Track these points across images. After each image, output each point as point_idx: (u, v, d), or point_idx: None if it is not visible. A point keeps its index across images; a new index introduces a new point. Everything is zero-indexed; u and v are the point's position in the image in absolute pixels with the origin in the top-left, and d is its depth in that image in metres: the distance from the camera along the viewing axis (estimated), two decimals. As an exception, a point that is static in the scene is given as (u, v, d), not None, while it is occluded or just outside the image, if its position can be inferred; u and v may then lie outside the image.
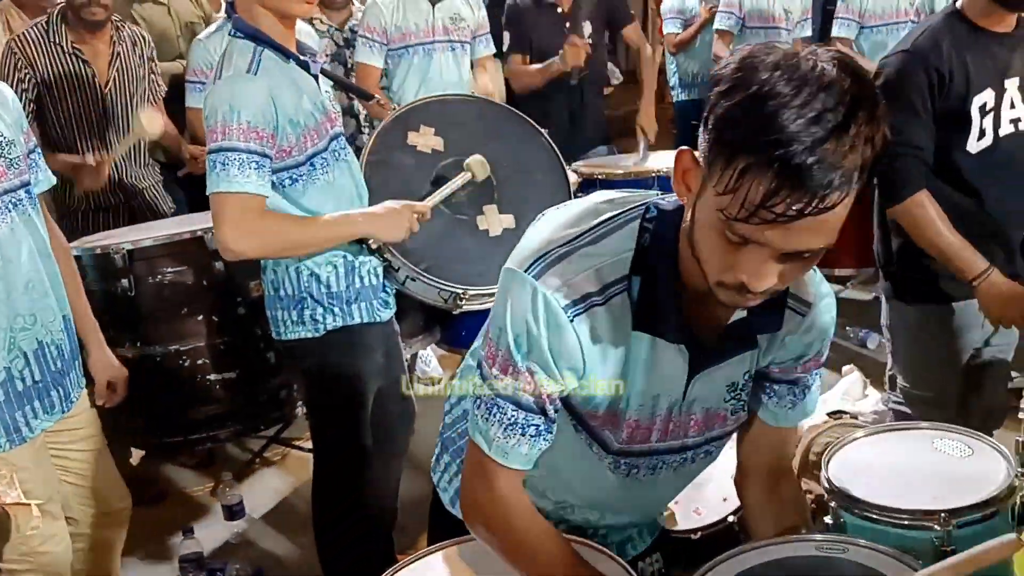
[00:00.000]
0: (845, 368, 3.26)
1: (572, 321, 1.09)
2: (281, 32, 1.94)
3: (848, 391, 3.13)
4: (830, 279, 4.25)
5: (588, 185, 3.40)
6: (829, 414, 2.94)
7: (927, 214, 2.05)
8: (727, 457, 2.43)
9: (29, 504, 1.76)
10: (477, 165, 2.18)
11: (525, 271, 1.10)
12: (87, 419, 2.02)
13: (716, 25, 4.51)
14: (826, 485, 1.48)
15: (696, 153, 1.01)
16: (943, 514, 1.31)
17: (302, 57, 1.97)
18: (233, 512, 2.92)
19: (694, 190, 1.01)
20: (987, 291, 2.00)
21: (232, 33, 1.92)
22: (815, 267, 1.20)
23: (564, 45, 3.51)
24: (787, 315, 1.17)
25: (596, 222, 1.13)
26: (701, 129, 0.99)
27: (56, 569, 1.88)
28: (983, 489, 1.38)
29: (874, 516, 1.39)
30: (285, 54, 1.93)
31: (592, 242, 1.12)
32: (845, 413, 2.93)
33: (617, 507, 1.34)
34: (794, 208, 0.91)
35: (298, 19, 2.00)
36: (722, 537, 2.30)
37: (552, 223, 1.16)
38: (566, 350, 1.11)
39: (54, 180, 1.99)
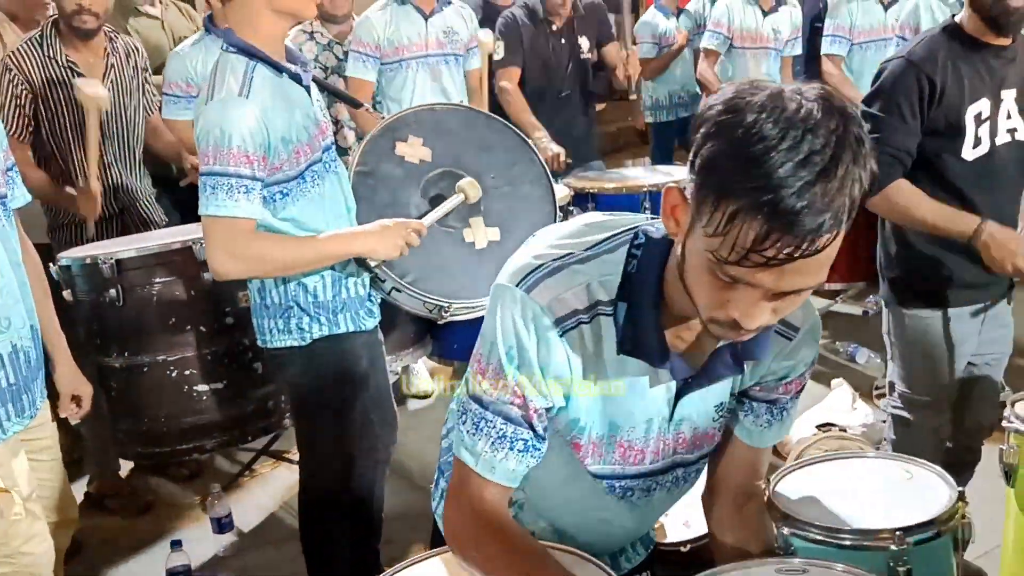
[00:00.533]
0: (834, 382, 3.28)
1: (562, 337, 1.10)
2: (277, 40, 1.94)
3: (837, 404, 3.14)
4: (820, 293, 4.32)
5: (580, 199, 3.42)
6: (818, 426, 2.95)
7: (905, 194, 2.09)
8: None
9: (9, 491, 1.78)
10: (468, 187, 2.17)
11: (516, 285, 1.11)
12: (49, 431, 2.08)
13: (703, 44, 4.53)
14: (776, 514, 1.48)
15: (684, 188, 1.01)
16: (898, 532, 1.30)
17: (294, 68, 1.97)
18: (221, 524, 2.91)
19: (683, 226, 1.02)
20: (989, 241, 2.02)
21: (224, 48, 1.92)
22: None
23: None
24: (775, 339, 1.17)
25: (587, 242, 1.15)
26: (687, 169, 0.99)
27: (38, 570, 1.89)
28: (928, 510, 1.37)
29: (826, 539, 1.37)
30: (278, 68, 1.93)
31: (582, 260, 1.13)
32: (834, 426, 2.95)
33: (613, 530, 1.34)
34: (785, 252, 0.91)
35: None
36: (711, 549, 2.30)
37: (542, 241, 1.17)
38: (555, 364, 1.11)
39: (29, 198, 2.03)
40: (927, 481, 1.48)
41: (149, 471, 3.33)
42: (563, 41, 3.76)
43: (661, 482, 1.26)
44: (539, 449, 1.17)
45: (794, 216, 0.89)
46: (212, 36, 3.02)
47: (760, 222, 0.90)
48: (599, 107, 4.96)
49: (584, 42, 3.79)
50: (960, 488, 1.41)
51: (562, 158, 3.59)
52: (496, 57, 3.76)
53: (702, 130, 0.95)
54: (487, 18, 4.08)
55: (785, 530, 1.44)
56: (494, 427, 1.14)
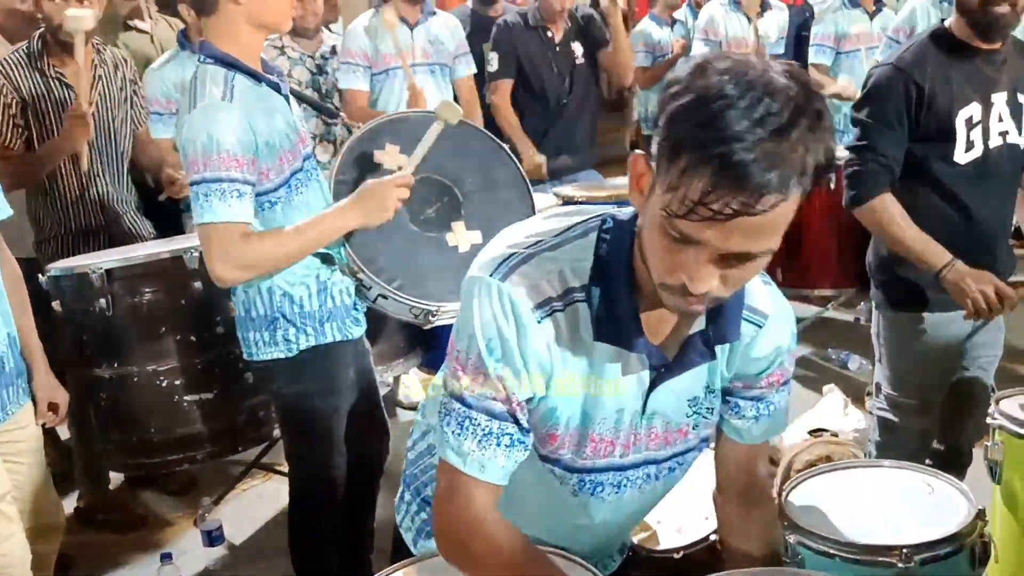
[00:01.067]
0: (826, 388, 3.27)
1: (540, 324, 1.10)
2: (254, 53, 1.96)
3: (828, 410, 3.13)
4: (811, 300, 4.32)
5: (570, 208, 3.42)
6: (810, 432, 2.95)
7: (890, 213, 2.11)
8: (708, 475, 2.40)
9: None
10: (447, 109, 2.10)
11: (490, 275, 1.11)
12: (30, 434, 2.14)
13: (695, 52, 4.54)
14: (784, 521, 1.48)
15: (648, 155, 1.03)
16: (905, 550, 1.30)
17: (272, 78, 1.98)
18: (212, 538, 2.90)
19: (646, 193, 1.03)
20: (955, 279, 2.04)
21: (201, 60, 1.92)
22: (771, 280, 1.23)
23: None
24: (743, 326, 1.18)
25: (557, 228, 1.15)
26: (654, 132, 1.01)
27: (12, 571, 1.91)
28: (945, 526, 1.37)
29: (833, 551, 1.38)
30: (256, 77, 1.94)
31: (553, 247, 1.13)
32: (826, 431, 2.94)
33: (585, 535, 1.32)
34: (731, 206, 0.93)
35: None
36: (704, 555, 2.29)
37: (511, 233, 1.17)
38: (535, 351, 1.11)
39: (10, 212, 2.07)
40: (947, 496, 1.47)
41: (139, 485, 3.32)
42: (559, 49, 3.77)
43: (632, 479, 1.25)
44: (524, 442, 1.15)
45: (742, 169, 0.91)
46: (187, 52, 3.03)
47: (709, 174, 0.92)
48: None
49: (578, 48, 3.80)
50: (980, 506, 1.40)
51: (543, 168, 3.66)
52: (490, 69, 3.77)
53: (669, 91, 0.98)
54: (477, 28, 4.09)
55: (792, 538, 1.44)
56: (479, 425, 1.12)
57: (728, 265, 1.00)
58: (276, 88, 1.98)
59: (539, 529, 1.28)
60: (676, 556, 2.35)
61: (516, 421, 1.14)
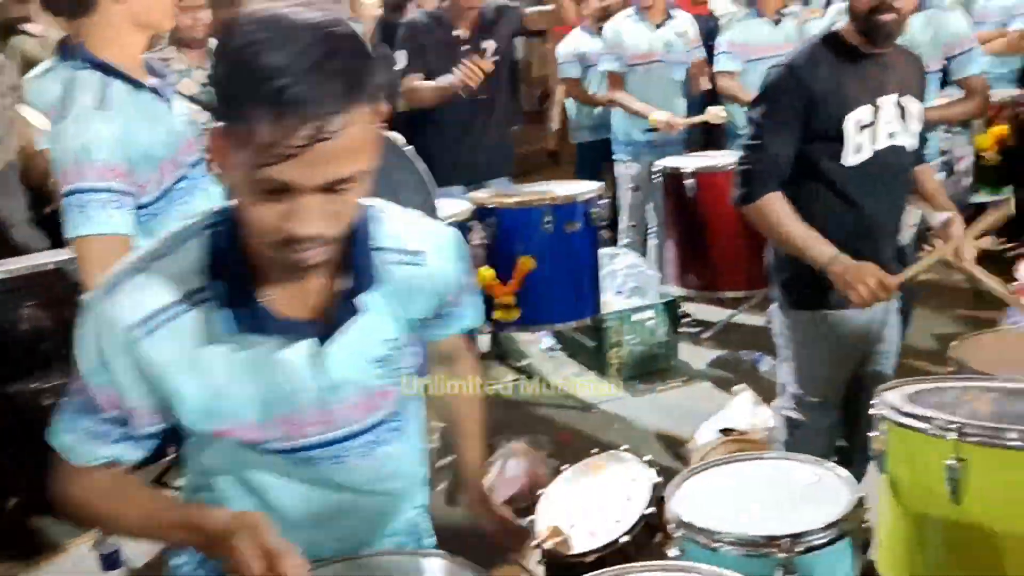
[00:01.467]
0: (736, 388, 3.32)
1: (149, 336, 1.10)
2: (135, 55, 1.89)
3: (739, 410, 3.17)
4: (721, 302, 4.35)
5: (484, 214, 3.39)
6: (721, 431, 2.99)
7: (776, 210, 2.15)
8: (620, 481, 2.38)
9: None
10: None
11: (98, 295, 1.12)
12: None
13: (604, 67, 4.51)
14: (668, 516, 1.47)
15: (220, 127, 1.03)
16: (786, 539, 1.32)
17: (153, 82, 1.91)
18: (110, 561, 2.77)
19: (230, 165, 1.02)
20: (841, 272, 2.06)
21: (77, 66, 1.84)
22: (419, 216, 1.26)
23: (462, 63, 3.43)
24: (398, 270, 1.19)
25: (163, 237, 1.15)
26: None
27: None
28: (829, 514, 1.39)
29: (715, 544, 1.39)
30: (135, 84, 1.86)
31: (160, 256, 1.13)
32: (735, 430, 2.98)
33: (344, 522, 1.30)
34: (299, 136, 0.94)
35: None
36: (614, 558, 2.29)
37: (133, 251, 1.19)
38: (150, 363, 1.11)
39: None
40: (832, 484, 1.49)
41: (33, 509, 3.15)
42: (467, 49, 3.67)
43: (351, 449, 1.24)
44: (135, 444, 1.19)
45: (296, 102, 0.94)
46: (65, 63, 2.91)
47: (269, 116, 0.94)
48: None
49: (490, 44, 3.70)
50: (861, 494, 1.42)
51: (477, 75, 3.43)
52: (399, 67, 3.69)
53: (213, 59, 1.02)
54: (387, 36, 4.04)
55: (679, 534, 1.43)
56: (86, 424, 1.16)
57: (325, 193, 1.00)
58: (156, 93, 1.90)
59: (303, 529, 1.24)
60: (588, 560, 2.35)
61: (124, 424, 1.16)
